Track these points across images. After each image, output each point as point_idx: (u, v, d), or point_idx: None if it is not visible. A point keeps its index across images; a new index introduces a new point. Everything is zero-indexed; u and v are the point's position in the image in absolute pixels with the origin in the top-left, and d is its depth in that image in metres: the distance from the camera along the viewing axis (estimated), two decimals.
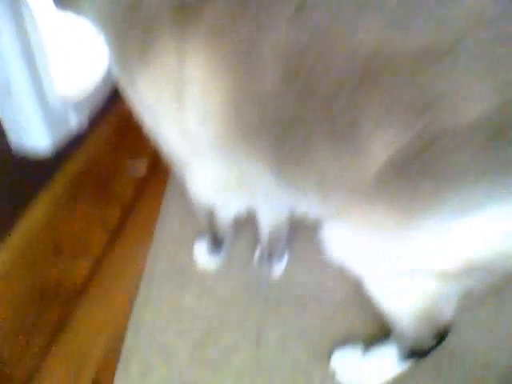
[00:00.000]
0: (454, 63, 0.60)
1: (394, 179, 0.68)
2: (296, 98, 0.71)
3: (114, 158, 1.58)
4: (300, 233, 1.28)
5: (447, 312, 0.86)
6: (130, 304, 1.14)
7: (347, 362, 1.00)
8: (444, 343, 0.90)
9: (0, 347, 1.04)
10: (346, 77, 0.66)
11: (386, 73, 0.64)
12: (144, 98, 0.89)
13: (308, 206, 0.87)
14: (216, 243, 1.17)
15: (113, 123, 1.61)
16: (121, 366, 1.01)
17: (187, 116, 0.84)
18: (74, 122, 1.26)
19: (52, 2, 0.97)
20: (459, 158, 0.62)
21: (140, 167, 1.56)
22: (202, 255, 1.22)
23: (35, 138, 1.17)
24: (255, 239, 1.27)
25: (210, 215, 1.09)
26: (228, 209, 1.08)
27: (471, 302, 0.87)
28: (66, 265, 1.24)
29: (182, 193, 1.06)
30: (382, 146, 0.66)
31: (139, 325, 1.08)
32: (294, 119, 0.72)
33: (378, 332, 1.06)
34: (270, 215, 1.15)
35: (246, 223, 1.23)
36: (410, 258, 0.75)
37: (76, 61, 1.32)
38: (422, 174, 0.65)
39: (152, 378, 0.99)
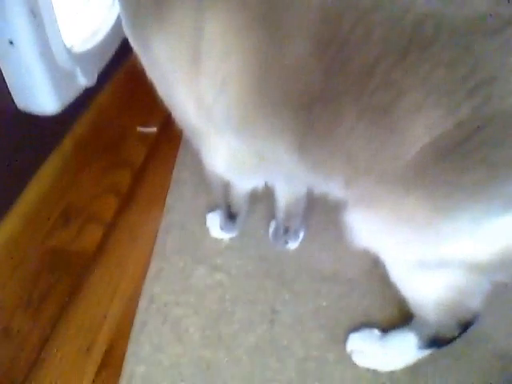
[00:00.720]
0: None
1: (433, 166, 0.62)
2: (327, 69, 0.64)
3: (124, 120, 1.52)
4: (317, 207, 1.23)
5: (474, 304, 0.82)
6: (143, 272, 1.11)
7: (364, 344, 0.97)
8: None
9: (9, 319, 1.03)
10: (388, 47, 0.59)
11: (436, 42, 0.57)
12: (158, 61, 0.83)
13: (330, 188, 0.82)
14: (230, 216, 1.12)
15: (123, 81, 1.54)
16: (132, 341, 0.99)
17: (204, 83, 0.78)
18: (82, 78, 1.20)
19: None
20: None
21: (151, 129, 1.50)
22: (215, 228, 1.18)
23: (41, 95, 1.11)
24: (269, 213, 1.22)
25: (225, 188, 1.04)
26: (244, 183, 1.02)
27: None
28: (76, 232, 1.21)
29: (195, 158, 1.00)
30: (423, 129, 0.60)
31: (151, 299, 1.05)
32: (324, 93, 0.66)
33: (397, 313, 1.03)
34: (288, 191, 1.09)
35: (261, 196, 1.18)
36: (441, 250, 0.71)
37: (83, 13, 1.25)
38: (469, 161, 0.59)
39: (164, 353, 0.97)
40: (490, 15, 0.55)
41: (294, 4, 0.65)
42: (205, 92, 0.79)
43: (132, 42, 0.87)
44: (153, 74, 0.88)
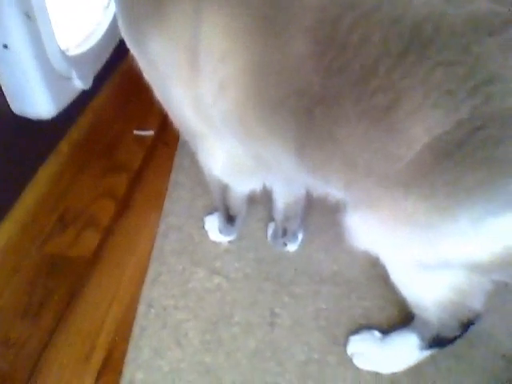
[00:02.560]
0: None
1: (433, 166, 0.61)
2: (327, 71, 0.64)
3: (120, 123, 1.51)
4: (316, 209, 1.22)
5: (475, 303, 0.81)
6: (142, 276, 1.10)
7: (365, 347, 0.96)
8: None
9: (7, 326, 1.01)
10: (387, 48, 0.59)
11: (435, 42, 0.56)
12: (155, 63, 0.82)
13: (329, 190, 0.81)
14: (229, 219, 1.11)
15: (119, 84, 1.54)
16: (132, 346, 0.98)
17: (202, 85, 0.77)
18: (78, 81, 1.19)
19: None
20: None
21: (148, 133, 1.49)
22: (214, 231, 1.17)
23: (37, 99, 1.10)
24: (268, 215, 1.21)
25: (224, 190, 1.03)
26: (242, 186, 1.02)
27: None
28: (73, 237, 1.20)
29: (192, 161, 1.00)
30: (423, 129, 0.59)
31: (150, 304, 1.04)
32: (324, 95, 0.65)
33: (397, 314, 1.02)
34: (287, 193, 1.09)
35: (259, 198, 1.18)
36: (441, 251, 0.70)
37: (77, 15, 1.24)
38: (470, 161, 0.58)
39: (164, 358, 0.96)
40: (489, 15, 0.54)
41: (293, 5, 0.64)
42: (203, 94, 0.78)
43: (128, 44, 0.87)
44: (150, 76, 0.88)
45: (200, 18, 0.72)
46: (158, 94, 0.89)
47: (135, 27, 0.83)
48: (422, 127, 0.59)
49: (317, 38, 0.63)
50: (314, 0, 0.63)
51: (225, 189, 1.03)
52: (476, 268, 0.72)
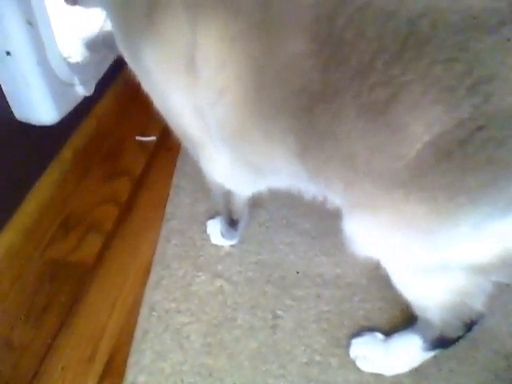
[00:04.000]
0: None
1: (434, 168, 0.60)
2: (325, 67, 0.64)
3: (122, 129, 1.52)
4: (317, 212, 1.22)
5: (477, 304, 0.81)
6: (144, 280, 1.11)
7: (367, 349, 0.96)
8: None
9: (10, 330, 1.02)
10: (384, 43, 0.58)
11: (433, 39, 0.56)
12: (152, 75, 0.82)
13: (330, 193, 0.81)
14: (231, 223, 1.12)
15: (121, 90, 1.55)
16: (134, 349, 0.98)
17: (200, 94, 0.78)
18: (80, 87, 1.20)
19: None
20: None
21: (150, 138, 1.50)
22: (216, 235, 1.18)
23: (40, 105, 1.11)
24: (269, 218, 1.22)
25: (226, 196, 1.04)
26: (245, 191, 1.02)
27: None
28: (76, 242, 1.21)
29: (194, 166, 1.00)
30: (423, 127, 0.58)
31: (152, 308, 1.04)
32: (323, 92, 0.65)
33: (399, 315, 1.02)
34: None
35: (260, 201, 1.18)
36: (442, 254, 0.70)
37: (80, 24, 1.26)
38: (471, 162, 0.58)
39: (166, 361, 0.96)
40: (486, 12, 0.54)
41: (288, 6, 0.65)
42: (201, 103, 0.79)
43: (126, 59, 0.88)
44: (149, 88, 0.88)
45: (195, 28, 0.72)
46: (158, 105, 0.90)
47: (131, 41, 0.84)
48: (422, 124, 0.59)
49: (313, 35, 0.63)
50: None
51: (227, 194, 1.03)
52: (476, 270, 0.72)
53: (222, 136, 0.82)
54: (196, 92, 0.78)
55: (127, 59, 0.88)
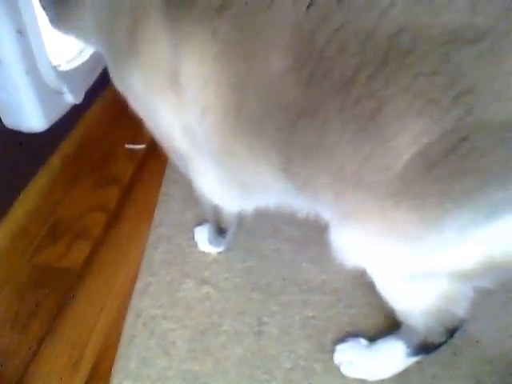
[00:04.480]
0: (494, 47, 0.54)
1: (422, 177, 0.62)
2: (308, 83, 0.65)
3: (112, 137, 1.53)
4: (304, 220, 1.23)
5: (460, 310, 0.82)
6: (131, 287, 1.11)
7: (352, 355, 0.97)
8: None
9: None
10: (365, 58, 0.60)
11: (414, 52, 0.57)
12: (141, 94, 0.84)
13: (320, 206, 0.82)
14: (220, 232, 1.13)
15: (110, 98, 1.55)
16: (120, 355, 0.98)
17: (186, 113, 0.80)
18: (69, 95, 1.21)
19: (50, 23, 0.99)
20: (504, 155, 0.57)
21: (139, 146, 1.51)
22: (203, 241, 1.18)
23: (28, 112, 1.12)
24: (257, 226, 1.23)
25: (215, 208, 1.05)
26: (231, 208, 1.04)
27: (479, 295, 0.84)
28: (63, 248, 1.21)
29: (182, 174, 1.01)
30: (409, 138, 0.60)
31: (138, 314, 1.05)
32: (307, 106, 0.67)
33: (383, 321, 1.03)
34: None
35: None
36: (428, 261, 0.71)
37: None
38: (457, 171, 0.60)
39: (152, 367, 0.96)
40: (466, 26, 0.56)
41: (267, 26, 0.66)
42: (189, 120, 0.81)
43: (115, 83, 0.90)
44: (138, 107, 0.90)
45: (175, 46, 0.74)
46: (148, 123, 0.91)
47: (120, 66, 0.86)
48: (408, 136, 0.60)
49: (295, 53, 0.65)
50: (289, 18, 0.65)
51: (216, 206, 1.04)
52: (460, 276, 0.74)
53: (209, 152, 0.83)
54: (183, 110, 0.80)
55: (116, 83, 0.90)
